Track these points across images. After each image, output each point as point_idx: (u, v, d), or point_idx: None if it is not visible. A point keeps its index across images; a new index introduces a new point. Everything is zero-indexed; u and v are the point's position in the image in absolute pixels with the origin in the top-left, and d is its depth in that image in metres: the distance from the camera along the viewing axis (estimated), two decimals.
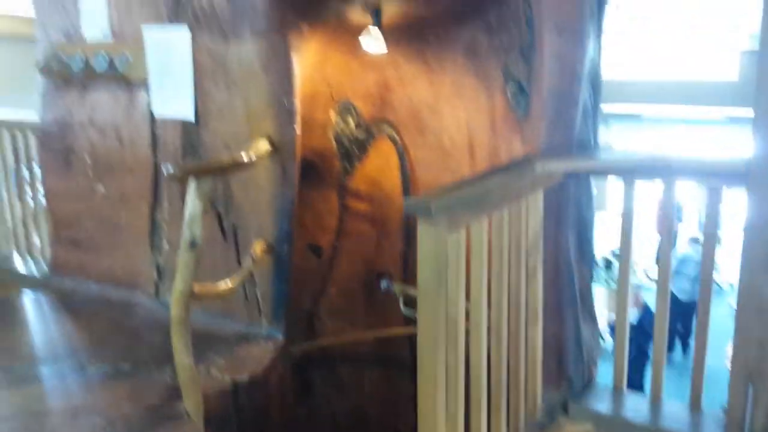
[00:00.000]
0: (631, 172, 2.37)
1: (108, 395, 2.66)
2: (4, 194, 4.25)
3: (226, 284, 2.66)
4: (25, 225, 4.24)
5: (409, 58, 3.63)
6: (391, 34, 3.47)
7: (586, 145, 2.53)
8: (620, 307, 2.55)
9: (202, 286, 2.48)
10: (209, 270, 3.14)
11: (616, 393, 2.58)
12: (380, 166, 3.97)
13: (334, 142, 3.94)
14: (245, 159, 2.72)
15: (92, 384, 2.77)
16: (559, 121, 2.41)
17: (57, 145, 3.69)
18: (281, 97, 3.02)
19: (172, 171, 2.32)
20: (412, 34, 3.51)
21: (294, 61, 3.05)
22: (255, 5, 2.92)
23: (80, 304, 3.61)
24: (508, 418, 2.31)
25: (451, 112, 3.60)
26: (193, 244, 2.36)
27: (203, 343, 3.04)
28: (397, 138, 3.88)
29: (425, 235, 1.73)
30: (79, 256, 3.77)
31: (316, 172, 4.00)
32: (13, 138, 4.13)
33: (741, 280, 2.16)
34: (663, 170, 2.31)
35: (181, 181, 2.36)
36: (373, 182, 4.02)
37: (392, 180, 3.95)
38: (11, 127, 4.14)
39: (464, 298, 1.89)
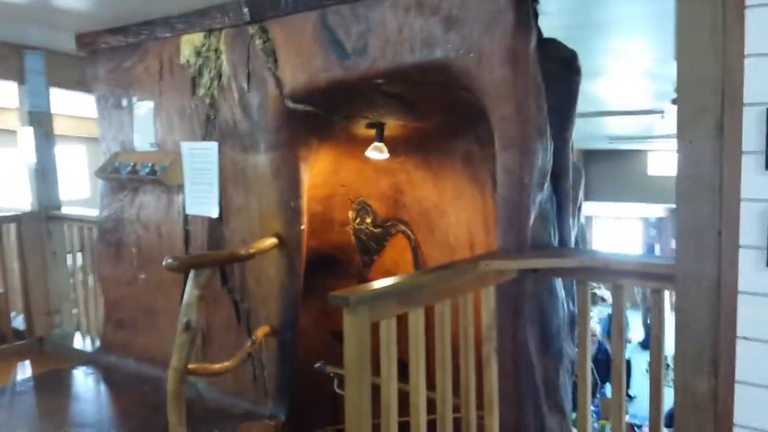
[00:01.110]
0: (575, 273, 2.59)
1: None
2: (70, 281, 4.85)
3: (222, 365, 3.00)
4: (86, 307, 4.79)
5: (417, 165, 4.01)
6: (399, 144, 3.88)
7: (544, 246, 2.76)
8: (582, 398, 2.70)
9: (197, 365, 2.84)
10: (225, 350, 3.52)
11: None
12: (396, 259, 4.29)
13: (353, 238, 4.32)
14: (243, 252, 3.11)
15: None
16: (511, 225, 2.67)
17: (110, 238, 4.26)
18: (289, 200, 3.44)
19: (171, 262, 2.72)
20: (418, 144, 3.91)
21: (302, 170, 3.49)
22: (268, 126, 3.40)
23: (119, 378, 4.05)
24: None
25: (454, 212, 3.91)
26: (187, 327, 2.73)
27: (211, 418, 3.39)
28: (411, 234, 4.21)
29: (348, 324, 2.02)
30: (123, 335, 4.24)
31: (339, 265, 4.37)
32: (81, 231, 4.75)
33: (676, 379, 2.29)
34: (603, 273, 2.52)
35: (179, 271, 2.76)
36: (391, 274, 4.32)
37: (407, 272, 4.26)
38: (80, 221, 4.77)
39: (395, 380, 2.15)
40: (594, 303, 10.89)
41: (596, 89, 6.21)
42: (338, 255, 4.33)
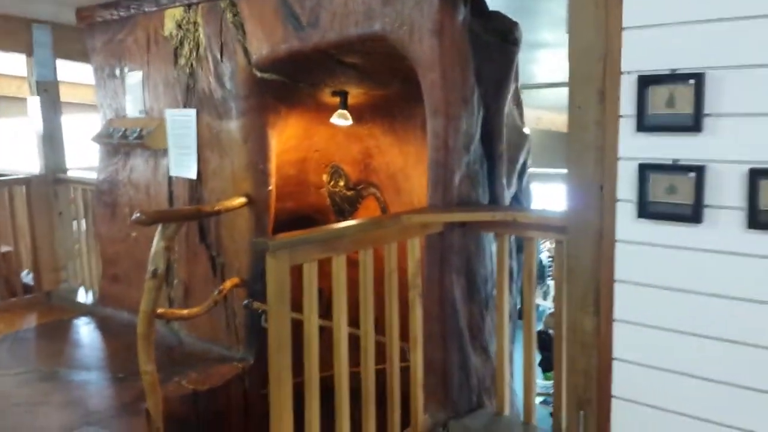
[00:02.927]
0: (494, 226, 2.87)
1: (97, 393, 3.43)
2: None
3: (189, 310, 3.36)
4: (89, 264, 5.21)
5: (384, 131, 4.28)
6: (365, 111, 4.16)
7: (472, 203, 3.03)
8: (499, 340, 2.99)
9: (165, 309, 3.20)
10: (204, 300, 3.88)
11: (496, 416, 2.99)
12: None
13: (328, 200, 4.63)
14: (207, 209, 3.45)
15: (92, 385, 3.55)
16: (438, 184, 2.95)
17: (106, 199, 4.65)
18: (257, 162, 3.75)
19: (139, 216, 3.06)
20: (383, 111, 4.18)
21: (270, 135, 3.80)
22: (239, 93, 3.71)
23: (113, 327, 4.46)
24: (385, 430, 2.81)
25: (417, 176, 4.19)
26: (154, 274, 3.08)
27: (186, 361, 3.77)
28: (380, 197, 4.51)
29: (270, 267, 2.34)
30: (118, 288, 4.64)
31: (316, 225, 4.67)
32: (84, 192, 5.15)
33: (567, 319, 2.55)
34: (516, 226, 2.79)
35: (147, 224, 3.10)
36: None
37: None
38: (83, 183, 5.17)
39: (317, 317, 2.47)
40: None
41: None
42: (315, 215, 4.64)
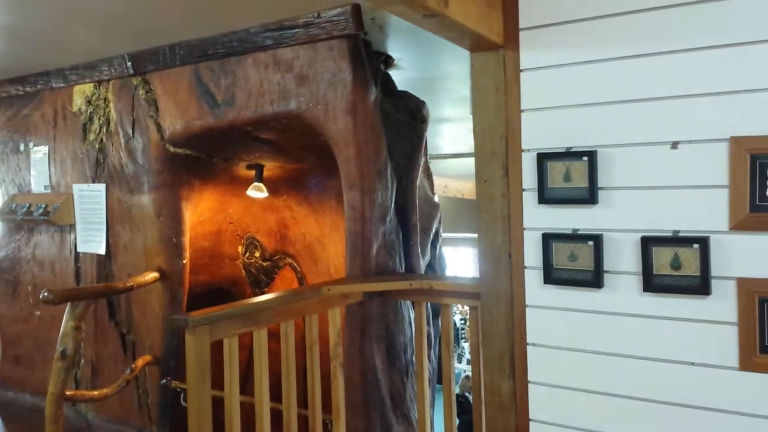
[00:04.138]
0: (410, 294, 2.97)
1: None
2: None
3: (100, 391, 3.24)
4: None
5: (299, 202, 4.36)
6: (281, 184, 4.24)
7: (389, 272, 3.13)
8: (420, 407, 3.05)
9: (75, 391, 3.07)
10: (113, 380, 3.74)
11: None
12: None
13: (243, 271, 4.62)
14: (119, 285, 3.38)
15: None
16: (356, 254, 3.04)
17: (7, 277, 4.44)
18: (171, 236, 3.72)
19: (47, 295, 2.97)
20: (298, 184, 4.27)
21: (184, 208, 3.79)
22: (151, 168, 3.70)
23: (15, 411, 4.20)
24: None
25: (332, 245, 4.27)
26: (63, 355, 2.97)
27: None
28: (297, 266, 4.54)
29: (189, 344, 2.33)
30: (20, 371, 4.40)
31: (231, 297, 4.64)
32: None
33: (485, 380, 2.65)
34: (431, 294, 2.91)
35: (55, 303, 3.00)
36: None
37: None
38: None
39: (238, 394, 2.46)
40: None
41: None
42: (230, 288, 4.61)
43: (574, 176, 2.31)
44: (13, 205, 4.30)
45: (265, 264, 4.59)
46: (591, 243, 2.27)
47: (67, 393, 3.02)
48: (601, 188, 2.25)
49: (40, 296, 2.94)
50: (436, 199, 3.85)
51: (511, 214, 2.47)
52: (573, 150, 2.30)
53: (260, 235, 4.55)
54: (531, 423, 2.46)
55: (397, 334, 3.15)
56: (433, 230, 3.69)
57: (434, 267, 3.71)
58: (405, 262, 3.29)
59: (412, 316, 3.26)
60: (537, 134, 2.38)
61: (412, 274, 3.27)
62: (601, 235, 2.25)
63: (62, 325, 3.01)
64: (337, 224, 4.19)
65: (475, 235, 2.61)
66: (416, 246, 3.39)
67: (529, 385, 2.47)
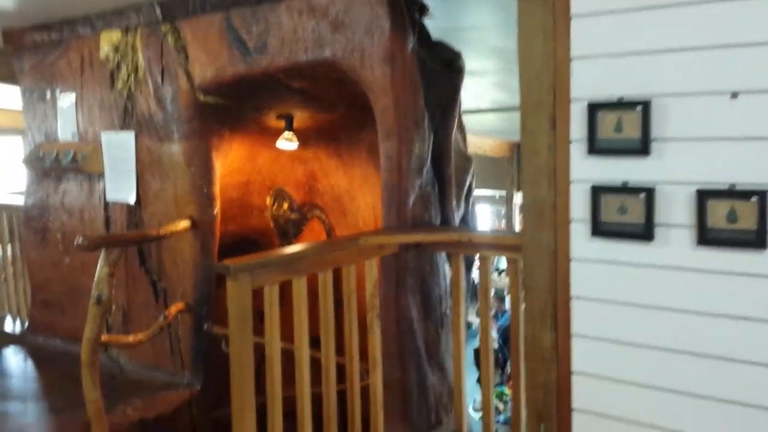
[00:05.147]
0: (448, 246, 2.94)
1: (35, 426, 3.26)
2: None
3: (135, 337, 3.26)
4: (16, 291, 4.97)
5: (329, 154, 4.32)
6: (310, 135, 4.18)
7: (424, 224, 3.10)
8: (456, 358, 3.05)
9: (110, 336, 3.09)
10: (145, 326, 3.76)
11: None
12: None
13: (272, 223, 4.60)
14: (152, 233, 3.38)
15: (30, 417, 3.38)
16: (392, 205, 3.01)
17: (35, 224, 4.45)
18: (202, 186, 3.70)
19: (82, 242, 2.96)
20: (328, 135, 4.22)
21: (214, 158, 3.76)
22: (181, 117, 3.66)
23: (45, 356, 4.26)
24: None
25: (362, 197, 4.24)
26: (98, 300, 2.98)
27: (129, 389, 3.64)
28: (325, 219, 4.52)
29: (231, 290, 2.32)
30: (49, 316, 4.44)
31: (259, 249, 4.63)
32: (9, 218, 4.92)
33: (526, 333, 2.64)
34: (470, 246, 2.88)
35: (90, 250, 3.00)
36: None
37: None
38: (8, 208, 4.94)
39: (279, 340, 2.46)
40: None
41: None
42: (259, 239, 4.60)
43: (626, 127, 2.25)
44: (41, 153, 4.28)
45: (293, 216, 4.57)
46: (642, 195, 2.22)
47: (102, 338, 3.04)
48: (655, 139, 2.19)
49: (75, 243, 2.94)
50: (469, 154, 3.78)
51: (557, 167, 2.42)
52: (625, 100, 2.23)
53: (289, 186, 4.52)
54: (572, 375, 2.46)
55: (433, 286, 3.13)
56: (467, 184, 3.64)
57: (467, 221, 3.68)
58: (440, 214, 3.25)
59: (446, 268, 3.24)
60: (587, 83, 2.31)
61: (447, 226, 3.24)
62: (654, 187, 2.20)
63: (97, 271, 3.01)
64: (367, 177, 4.15)
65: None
66: (451, 199, 3.35)
67: (572, 338, 2.45)
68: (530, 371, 2.61)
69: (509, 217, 14.51)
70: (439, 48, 3.40)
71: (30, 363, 4.20)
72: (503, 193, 14.11)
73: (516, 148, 14.97)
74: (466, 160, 3.71)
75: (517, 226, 14.48)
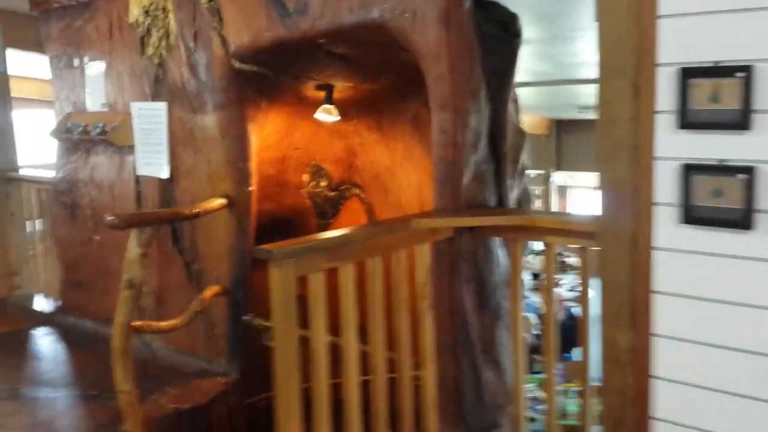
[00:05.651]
0: (507, 231, 2.66)
1: (67, 414, 3.10)
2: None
3: (168, 322, 3.07)
4: (45, 269, 4.83)
5: (369, 127, 4.04)
6: (350, 107, 3.91)
7: (480, 206, 2.83)
8: (516, 354, 2.80)
9: (143, 322, 2.90)
10: (178, 309, 3.57)
11: None
12: (351, 223, 4.34)
13: (309, 201, 4.36)
14: (186, 212, 3.16)
15: (61, 404, 3.22)
16: (446, 185, 2.73)
17: (65, 199, 4.27)
18: (237, 160, 3.47)
19: (112, 219, 2.76)
20: (369, 107, 3.94)
21: (251, 130, 3.51)
22: (215, 85, 3.41)
23: (76, 338, 4.11)
24: None
25: (405, 175, 3.97)
26: (131, 284, 2.78)
27: (165, 376, 3.47)
28: (364, 198, 4.26)
29: (273, 277, 2.08)
30: (80, 296, 4.28)
31: (295, 228, 4.41)
32: (39, 192, 4.76)
33: (603, 334, 2.37)
34: (533, 231, 2.59)
35: (120, 228, 2.80)
36: None
37: None
38: (38, 183, 4.78)
39: (324, 333, 2.23)
40: (564, 271, 11.09)
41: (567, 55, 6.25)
42: (294, 218, 4.37)
43: (724, 96, 1.93)
44: (69, 124, 4.08)
45: (331, 194, 4.32)
46: (741, 176, 1.92)
47: (135, 324, 2.84)
48: (756, 111, 1.88)
49: (105, 220, 2.73)
50: (523, 128, 3.48)
51: (639, 142, 2.12)
52: (723, 65, 1.91)
53: (327, 163, 4.26)
54: (651, 379, 2.18)
55: (488, 273, 2.86)
56: (521, 162, 3.34)
57: (521, 202, 3.39)
58: (495, 195, 2.97)
59: (500, 254, 2.97)
60: (677, 46, 1.99)
61: (506, 208, 2.96)
62: (754, 167, 1.89)
63: (128, 251, 2.81)
64: (410, 151, 3.87)
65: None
66: (506, 178, 3.06)
67: (652, 339, 2.17)
68: (606, 375, 2.35)
69: (546, 198, 14.13)
70: (494, 9, 3.08)
71: (60, 345, 4.05)
72: (541, 172, 13.72)
73: (555, 125, 14.53)
74: (520, 135, 3.40)
75: (553, 207, 14.12)
